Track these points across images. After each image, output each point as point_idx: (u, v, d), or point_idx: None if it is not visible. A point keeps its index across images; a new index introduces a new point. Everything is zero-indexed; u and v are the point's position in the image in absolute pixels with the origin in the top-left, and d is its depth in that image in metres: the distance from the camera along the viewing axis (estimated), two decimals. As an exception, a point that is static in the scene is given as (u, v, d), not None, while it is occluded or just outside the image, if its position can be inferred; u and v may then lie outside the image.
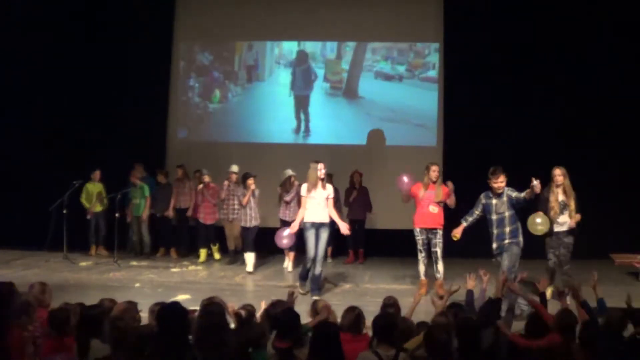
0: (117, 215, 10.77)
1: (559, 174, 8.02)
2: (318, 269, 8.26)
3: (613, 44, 10.82)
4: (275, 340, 4.24)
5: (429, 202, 8.42)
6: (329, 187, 8.42)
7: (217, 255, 10.98)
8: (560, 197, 8.02)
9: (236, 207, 10.40)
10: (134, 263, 10.46)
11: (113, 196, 10.76)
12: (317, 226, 8.24)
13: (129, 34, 11.54)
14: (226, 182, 10.39)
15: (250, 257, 10.01)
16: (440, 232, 8.43)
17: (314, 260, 8.24)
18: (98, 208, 11.15)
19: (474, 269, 9.50)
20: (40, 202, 10.69)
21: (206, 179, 10.79)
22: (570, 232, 8.03)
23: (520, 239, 7.51)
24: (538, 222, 7.71)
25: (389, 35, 11.75)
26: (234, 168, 10.49)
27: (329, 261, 10.70)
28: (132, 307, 4.96)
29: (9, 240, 11.04)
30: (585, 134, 10.94)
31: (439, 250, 8.42)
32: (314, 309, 5.25)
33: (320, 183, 8.25)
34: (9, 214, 11.28)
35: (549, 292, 7.93)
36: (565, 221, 8.03)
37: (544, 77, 11.02)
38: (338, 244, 10.87)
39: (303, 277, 8.54)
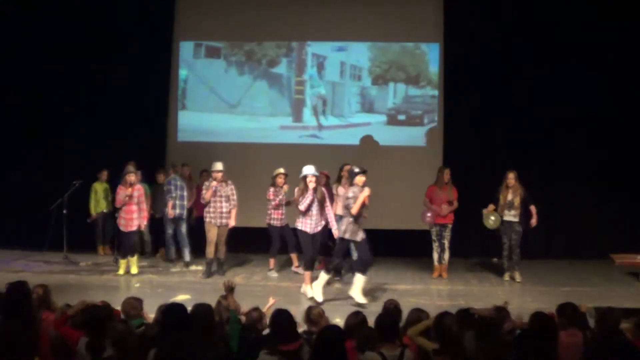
0: (117, 215, 10.77)
1: (511, 177, 9.37)
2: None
3: (615, 43, 10.81)
4: (280, 343, 4.16)
5: (442, 201, 9.55)
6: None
7: (134, 269, 9.58)
8: (510, 197, 9.36)
9: (224, 210, 9.52)
10: (134, 263, 10.44)
11: (113, 196, 10.79)
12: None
13: (129, 34, 11.52)
14: (214, 182, 9.46)
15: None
16: (449, 226, 9.64)
17: None
18: (102, 206, 11.08)
19: (475, 268, 9.56)
20: (41, 202, 10.69)
21: (132, 178, 9.44)
22: (519, 221, 9.38)
23: None
24: (492, 219, 9.33)
25: (389, 35, 11.73)
26: (219, 166, 9.50)
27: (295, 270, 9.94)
28: (137, 304, 4.98)
29: (9, 240, 11.04)
30: (585, 134, 10.94)
31: (446, 243, 9.65)
32: (308, 316, 5.16)
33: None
34: (9, 214, 11.27)
35: (506, 277, 9.52)
36: (515, 214, 9.38)
37: (544, 77, 11.01)
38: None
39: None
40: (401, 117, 11.78)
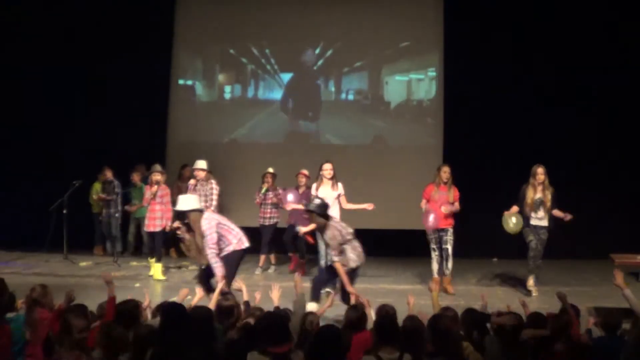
0: (116, 215, 10.79)
1: (541, 172, 8.39)
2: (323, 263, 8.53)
3: (615, 44, 10.82)
4: (269, 344, 4.04)
5: (441, 202, 8.63)
6: (340, 186, 8.62)
7: (158, 275, 9.37)
8: (538, 195, 8.40)
9: None
10: (134, 263, 10.45)
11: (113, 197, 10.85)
12: None
13: (129, 34, 11.51)
14: (193, 181, 9.00)
15: None
16: (450, 230, 8.67)
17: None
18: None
19: (475, 268, 9.47)
20: (40, 202, 10.69)
21: (157, 177, 9.31)
22: (547, 229, 8.44)
23: None
24: (513, 222, 8.11)
25: (389, 35, 11.73)
26: (199, 164, 9.04)
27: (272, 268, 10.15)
28: (137, 304, 4.98)
29: (9, 240, 11.04)
30: (585, 134, 10.95)
31: (449, 248, 8.66)
32: (303, 324, 4.95)
33: (329, 182, 8.55)
34: (9, 214, 11.27)
35: (530, 281, 8.61)
36: (542, 216, 8.43)
37: (545, 77, 11.03)
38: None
39: None
40: (401, 116, 11.79)
